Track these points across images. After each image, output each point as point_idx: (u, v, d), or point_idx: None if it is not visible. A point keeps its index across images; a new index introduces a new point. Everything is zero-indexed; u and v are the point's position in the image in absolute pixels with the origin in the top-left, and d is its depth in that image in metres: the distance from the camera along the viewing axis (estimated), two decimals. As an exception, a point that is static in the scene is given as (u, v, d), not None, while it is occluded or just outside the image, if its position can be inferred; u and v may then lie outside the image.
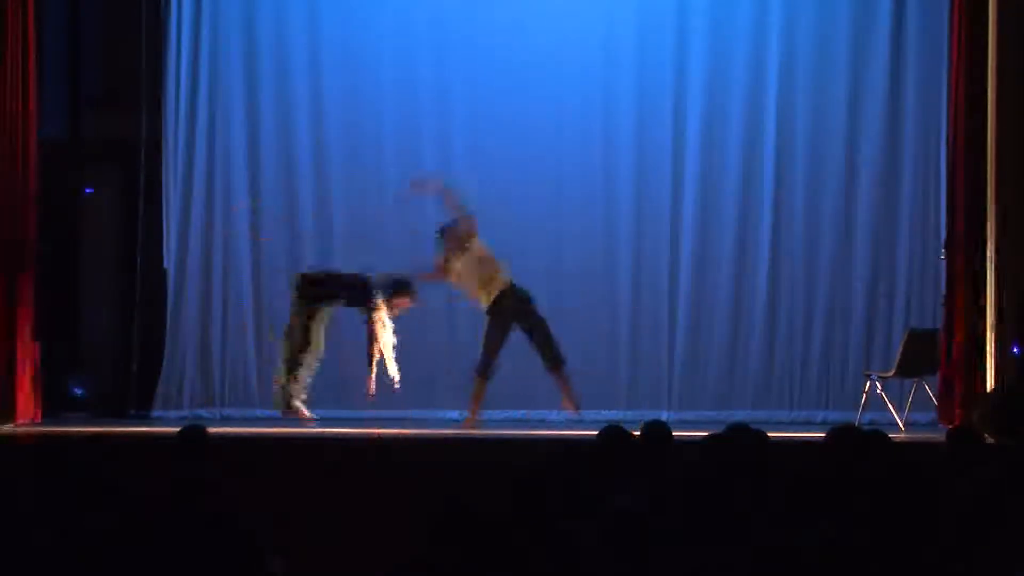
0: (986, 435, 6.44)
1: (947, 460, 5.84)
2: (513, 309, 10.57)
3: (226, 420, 11.13)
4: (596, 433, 5.93)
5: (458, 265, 10.67)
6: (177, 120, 11.91)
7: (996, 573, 4.43)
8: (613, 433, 5.87)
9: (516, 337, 11.24)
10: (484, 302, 10.63)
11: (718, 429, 5.88)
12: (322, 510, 8.29)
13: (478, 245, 10.67)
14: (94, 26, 12.26)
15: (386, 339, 10.55)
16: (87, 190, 12.31)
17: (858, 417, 10.54)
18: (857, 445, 5.53)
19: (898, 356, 10.86)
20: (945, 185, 11.07)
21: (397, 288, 10.68)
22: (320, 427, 10.50)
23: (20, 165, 10.72)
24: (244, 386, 11.84)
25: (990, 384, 10.18)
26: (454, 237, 10.68)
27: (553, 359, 10.59)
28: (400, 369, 10.68)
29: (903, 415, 10.60)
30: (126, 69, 11.88)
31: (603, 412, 10.83)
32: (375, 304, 10.53)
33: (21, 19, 10.72)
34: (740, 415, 10.83)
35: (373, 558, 5.53)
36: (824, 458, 5.54)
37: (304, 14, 12.00)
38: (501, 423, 11.21)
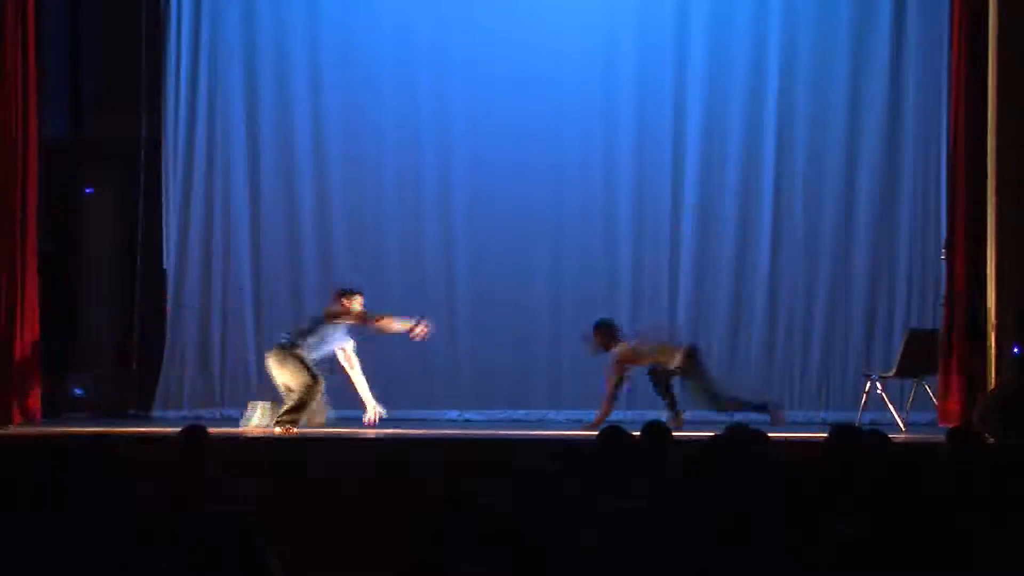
0: (986, 435, 6.43)
1: (947, 460, 5.84)
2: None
3: (226, 420, 11.12)
4: (596, 433, 5.94)
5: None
6: (177, 120, 11.92)
7: (996, 573, 4.43)
8: (613, 433, 5.88)
9: (516, 338, 11.25)
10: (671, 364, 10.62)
11: (718, 429, 5.89)
12: (322, 510, 8.30)
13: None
14: (94, 26, 12.28)
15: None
16: (87, 190, 12.32)
17: (858, 417, 10.53)
18: (857, 445, 5.54)
19: (898, 356, 10.85)
20: (945, 185, 11.06)
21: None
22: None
23: (20, 165, 10.71)
24: (244, 386, 11.84)
25: (990, 384, 10.18)
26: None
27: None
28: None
29: (903, 415, 10.60)
30: (126, 69, 11.89)
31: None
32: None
33: (21, 19, 10.72)
34: (740, 415, 10.81)
35: (373, 558, 5.53)
36: (824, 458, 5.54)
37: (304, 14, 12.01)
38: (501, 423, 11.22)
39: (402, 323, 10.27)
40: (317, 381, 10.08)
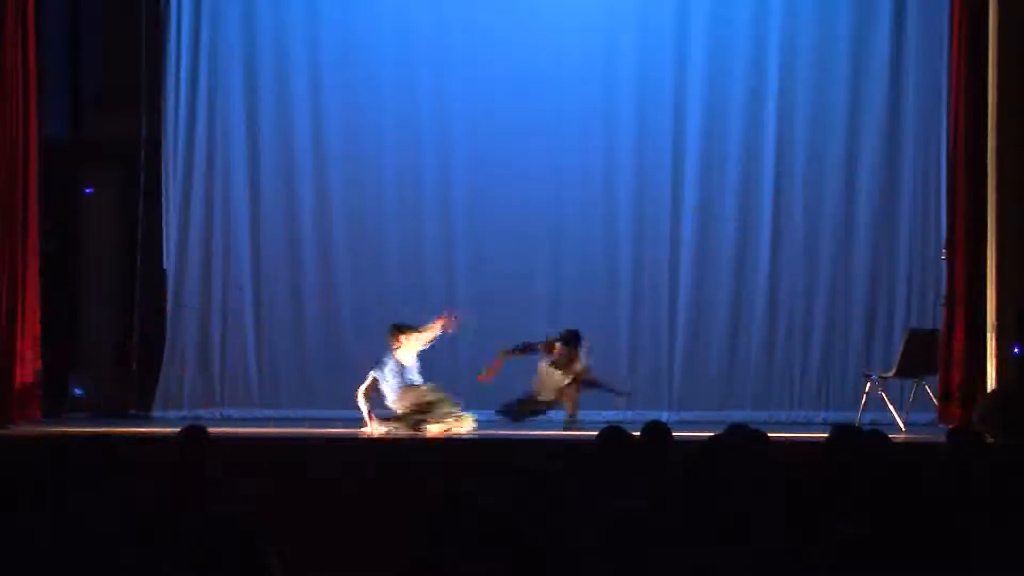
0: (986, 435, 6.43)
1: (947, 460, 5.84)
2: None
3: (226, 420, 11.12)
4: (596, 433, 5.94)
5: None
6: (177, 120, 11.92)
7: (996, 573, 4.43)
8: (613, 433, 5.87)
9: (515, 338, 11.24)
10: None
11: (718, 429, 5.89)
12: (322, 510, 8.30)
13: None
14: (94, 26, 12.28)
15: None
16: (87, 190, 12.32)
17: (858, 417, 10.53)
18: (857, 445, 5.54)
19: (898, 356, 10.86)
20: (945, 185, 11.07)
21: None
22: (319, 427, 10.50)
23: (21, 165, 10.71)
24: (244, 386, 11.84)
25: (990, 384, 10.18)
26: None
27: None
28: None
29: (903, 415, 10.60)
30: (126, 69, 11.89)
31: (603, 413, 10.82)
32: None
33: (21, 19, 10.72)
34: (740, 415, 10.81)
35: (373, 558, 5.53)
36: (824, 458, 5.54)
37: (304, 14, 12.01)
38: (501, 423, 11.21)
39: (431, 330, 10.42)
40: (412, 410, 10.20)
